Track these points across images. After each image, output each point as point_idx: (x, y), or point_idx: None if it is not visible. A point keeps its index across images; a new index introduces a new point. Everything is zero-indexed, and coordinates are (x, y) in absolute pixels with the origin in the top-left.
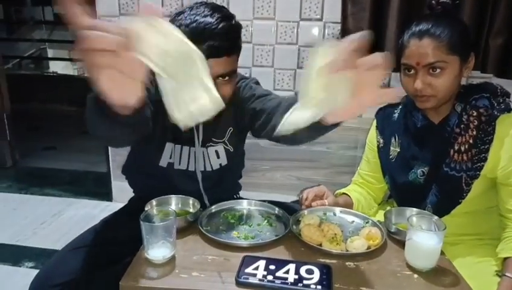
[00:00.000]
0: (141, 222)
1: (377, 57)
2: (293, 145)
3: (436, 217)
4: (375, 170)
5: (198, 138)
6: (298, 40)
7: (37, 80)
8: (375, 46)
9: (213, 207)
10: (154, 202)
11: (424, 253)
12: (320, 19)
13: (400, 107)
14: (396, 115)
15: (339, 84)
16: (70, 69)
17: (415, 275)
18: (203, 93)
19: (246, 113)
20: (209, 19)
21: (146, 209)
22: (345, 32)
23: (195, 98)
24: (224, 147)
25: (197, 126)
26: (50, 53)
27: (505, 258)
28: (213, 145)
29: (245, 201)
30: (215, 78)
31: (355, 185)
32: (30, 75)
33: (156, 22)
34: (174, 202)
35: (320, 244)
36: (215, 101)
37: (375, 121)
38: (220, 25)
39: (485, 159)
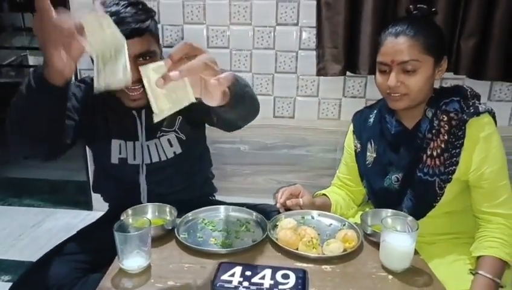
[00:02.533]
0: (115, 232)
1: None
2: (231, 130)
3: (410, 218)
4: (354, 173)
5: (142, 131)
6: (275, 44)
7: (18, 87)
8: (351, 49)
9: (190, 214)
10: (129, 211)
11: (398, 254)
12: (296, 24)
13: (375, 111)
14: (371, 120)
15: (178, 85)
16: None
17: (390, 276)
18: (120, 69)
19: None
20: (116, 7)
21: (122, 218)
22: (320, 36)
23: (113, 71)
24: (176, 136)
25: (140, 120)
26: (31, 60)
27: (478, 257)
28: (164, 135)
29: (223, 207)
30: (135, 59)
31: (334, 187)
32: (11, 82)
33: (100, 18)
34: (150, 210)
35: (297, 249)
36: (127, 75)
37: (352, 125)
38: (127, 9)
39: (456, 163)
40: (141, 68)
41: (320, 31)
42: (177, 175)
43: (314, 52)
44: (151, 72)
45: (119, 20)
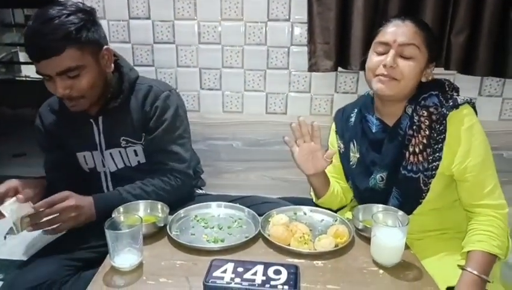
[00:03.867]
0: (106, 230)
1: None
2: None
3: (401, 213)
4: (340, 172)
5: (99, 138)
6: (267, 40)
7: (8, 84)
8: (343, 44)
9: (182, 211)
10: (121, 208)
11: (388, 249)
12: (288, 19)
13: (356, 110)
14: (353, 119)
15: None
16: None
17: (381, 271)
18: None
19: (151, 132)
20: (31, 24)
21: (113, 216)
22: (312, 31)
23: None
24: (142, 148)
25: (98, 127)
26: (22, 57)
27: (468, 251)
28: (131, 146)
29: (215, 203)
30: (57, 75)
31: None
32: (1, 79)
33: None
34: (142, 208)
35: (289, 244)
36: (16, 231)
37: (333, 124)
38: (42, 26)
39: (439, 158)
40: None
41: (311, 27)
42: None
43: (306, 48)
44: (8, 209)
45: (33, 43)
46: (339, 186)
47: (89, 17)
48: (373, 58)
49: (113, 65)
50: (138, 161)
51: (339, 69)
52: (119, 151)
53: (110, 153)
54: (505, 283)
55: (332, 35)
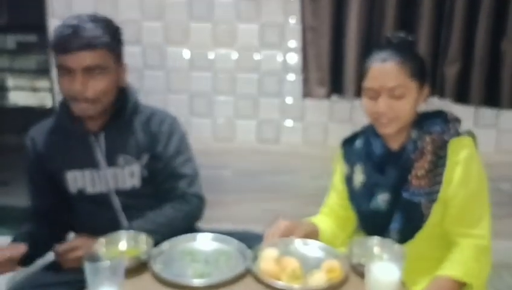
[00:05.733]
0: (85, 262)
1: None
2: None
3: (396, 245)
4: (343, 197)
5: (102, 156)
6: (259, 67)
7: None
8: (336, 72)
9: (167, 243)
10: (103, 240)
11: (384, 285)
12: (281, 46)
13: (362, 136)
14: (358, 143)
15: None
16: (33, 100)
17: None
18: None
19: (160, 153)
20: (75, 21)
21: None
22: (305, 59)
23: None
24: (140, 170)
25: (99, 144)
26: (11, 82)
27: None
28: (129, 165)
29: (202, 235)
30: (84, 71)
31: (322, 215)
32: None
33: None
34: (125, 239)
35: (280, 280)
36: None
37: (341, 150)
38: (85, 24)
39: (440, 182)
40: None
41: (305, 54)
42: (144, 204)
43: (299, 75)
44: None
45: (74, 32)
46: (329, 231)
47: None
48: (367, 104)
49: None
50: (133, 185)
51: (334, 98)
52: (115, 172)
53: (106, 174)
54: None
55: (326, 62)
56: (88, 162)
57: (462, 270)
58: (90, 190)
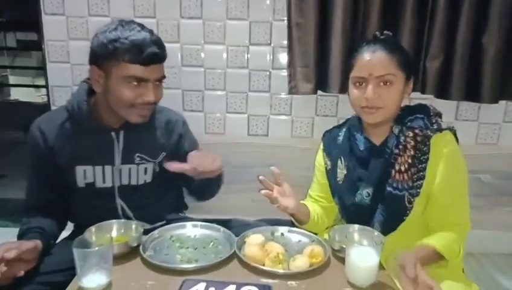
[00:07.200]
0: (73, 249)
1: None
2: (199, 199)
3: (376, 233)
4: (325, 190)
5: (118, 153)
6: (249, 64)
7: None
8: (322, 68)
9: (156, 231)
10: (93, 228)
11: (363, 269)
12: (269, 44)
13: (344, 130)
14: (341, 138)
15: None
16: (33, 96)
17: None
18: None
19: (178, 150)
20: (143, 32)
21: (84, 235)
22: (291, 55)
23: None
24: (153, 168)
25: (118, 141)
26: (12, 80)
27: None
28: (143, 164)
29: (190, 223)
30: (156, 80)
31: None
32: None
33: None
34: (116, 227)
35: (264, 264)
36: None
37: (321, 144)
38: (154, 37)
39: (423, 177)
40: None
41: (291, 51)
42: (148, 196)
43: (286, 71)
44: None
45: (146, 47)
46: (320, 210)
47: None
48: (354, 93)
49: None
50: (145, 180)
51: (319, 92)
52: (129, 169)
53: (120, 169)
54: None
55: (312, 59)
56: (104, 158)
57: (445, 245)
58: (99, 184)
